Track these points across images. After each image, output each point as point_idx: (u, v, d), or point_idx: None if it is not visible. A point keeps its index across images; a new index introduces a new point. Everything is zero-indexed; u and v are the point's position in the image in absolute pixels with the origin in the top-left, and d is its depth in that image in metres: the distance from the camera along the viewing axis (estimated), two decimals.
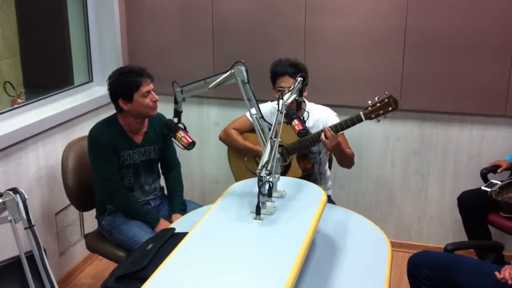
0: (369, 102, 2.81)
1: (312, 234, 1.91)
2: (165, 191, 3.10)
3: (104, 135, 2.75)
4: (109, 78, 2.77)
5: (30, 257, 1.67)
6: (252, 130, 3.13)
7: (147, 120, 2.87)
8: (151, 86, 2.74)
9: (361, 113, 2.81)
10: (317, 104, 3.11)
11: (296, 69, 2.92)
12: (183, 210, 2.91)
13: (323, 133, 2.81)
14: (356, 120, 2.81)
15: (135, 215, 2.79)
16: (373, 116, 2.80)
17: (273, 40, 3.59)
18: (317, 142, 2.92)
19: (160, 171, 3.06)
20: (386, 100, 2.77)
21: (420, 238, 3.77)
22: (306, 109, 2.94)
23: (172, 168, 3.05)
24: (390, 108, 2.77)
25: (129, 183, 2.85)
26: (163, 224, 2.77)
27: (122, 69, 2.80)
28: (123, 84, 2.70)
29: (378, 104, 2.78)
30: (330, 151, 2.95)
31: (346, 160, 3.02)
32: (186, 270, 1.71)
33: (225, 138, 3.23)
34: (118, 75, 2.74)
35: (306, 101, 3.04)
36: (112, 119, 2.83)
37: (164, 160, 3.01)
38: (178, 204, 2.94)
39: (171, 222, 2.79)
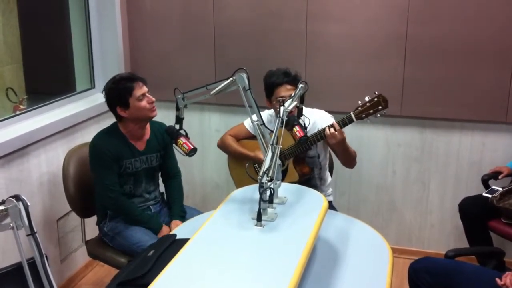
0: (359, 102, 2.81)
1: (313, 240, 1.92)
2: (165, 197, 3.10)
3: (106, 145, 2.75)
4: (104, 89, 2.79)
5: (31, 263, 1.68)
6: (249, 137, 3.14)
7: (149, 127, 2.88)
8: (145, 88, 2.75)
9: (351, 113, 2.81)
10: (313, 108, 3.11)
11: (292, 77, 2.93)
12: (183, 217, 2.91)
13: (331, 128, 2.79)
14: (347, 121, 2.81)
15: (137, 222, 2.80)
16: (363, 116, 2.79)
17: (275, 46, 3.60)
18: (314, 144, 2.92)
19: (160, 180, 3.05)
20: (376, 99, 2.78)
21: (421, 245, 3.76)
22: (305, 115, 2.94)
23: (172, 177, 3.05)
24: (380, 107, 2.77)
25: (129, 190, 2.86)
26: (165, 230, 2.78)
27: (114, 78, 2.81)
28: (117, 92, 2.72)
29: (368, 104, 2.79)
30: (335, 146, 2.90)
31: (350, 158, 3.00)
32: (187, 277, 1.71)
33: (221, 144, 3.24)
34: (111, 84, 2.76)
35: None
36: (113, 127, 2.84)
37: (164, 169, 3.01)
38: (178, 210, 2.94)
39: (170, 228, 2.80)
